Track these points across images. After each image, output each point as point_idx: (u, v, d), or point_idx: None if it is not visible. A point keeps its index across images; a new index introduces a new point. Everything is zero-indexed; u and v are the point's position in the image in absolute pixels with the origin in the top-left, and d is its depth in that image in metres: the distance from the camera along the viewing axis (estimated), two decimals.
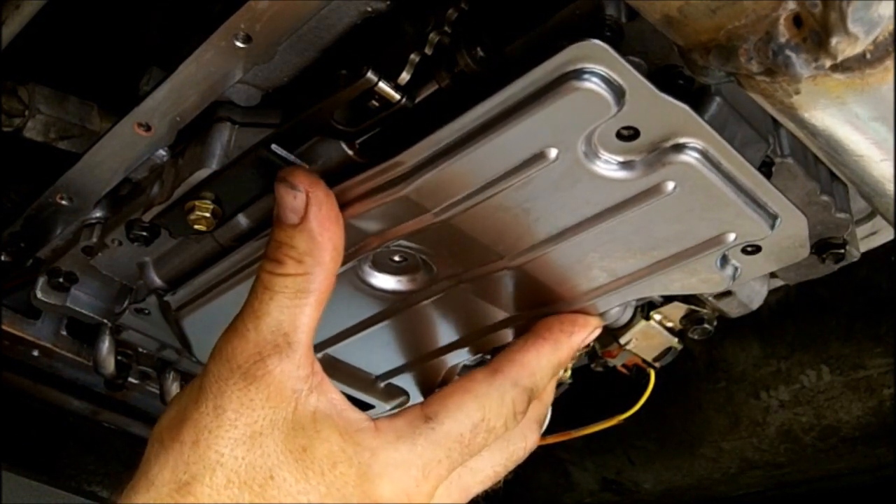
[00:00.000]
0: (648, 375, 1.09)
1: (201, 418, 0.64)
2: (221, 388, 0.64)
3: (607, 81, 0.57)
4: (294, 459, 0.63)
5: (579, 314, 0.78)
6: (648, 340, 1.04)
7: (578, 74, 0.57)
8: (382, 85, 0.65)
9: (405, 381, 0.98)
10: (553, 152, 0.62)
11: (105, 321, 1.02)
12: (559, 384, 1.07)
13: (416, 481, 0.65)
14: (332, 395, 0.66)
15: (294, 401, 0.64)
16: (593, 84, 0.57)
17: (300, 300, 0.65)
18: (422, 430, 0.67)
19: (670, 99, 0.58)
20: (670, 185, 0.64)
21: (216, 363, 0.65)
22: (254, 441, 0.63)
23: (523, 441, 0.76)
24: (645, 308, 0.99)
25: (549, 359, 0.75)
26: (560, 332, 0.77)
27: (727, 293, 0.92)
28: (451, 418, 0.68)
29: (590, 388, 1.20)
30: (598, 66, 0.57)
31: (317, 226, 0.66)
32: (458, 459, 0.67)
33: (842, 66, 0.46)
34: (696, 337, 1.00)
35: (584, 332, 0.78)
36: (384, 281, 0.81)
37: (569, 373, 1.05)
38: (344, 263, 0.76)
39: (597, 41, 0.56)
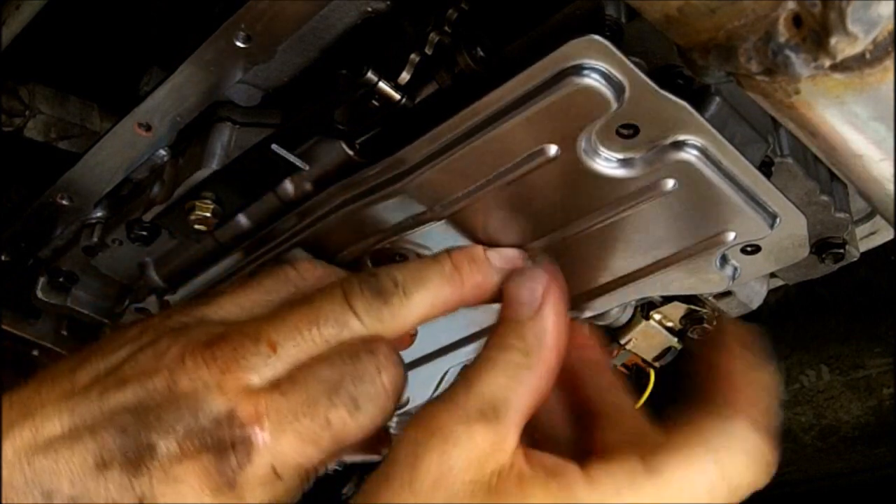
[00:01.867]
0: (648, 375, 1.09)
1: (392, 494, 0.56)
2: (418, 455, 0.56)
3: (607, 78, 0.57)
4: None
5: None
6: (648, 340, 1.04)
7: (578, 70, 0.57)
8: (382, 85, 0.65)
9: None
10: (553, 149, 0.62)
11: (105, 321, 1.02)
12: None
13: None
14: (540, 458, 0.58)
15: (498, 470, 0.56)
16: (593, 80, 0.57)
17: (517, 383, 0.59)
18: (647, 486, 0.55)
19: (670, 96, 0.59)
20: (670, 184, 0.64)
21: (413, 429, 0.58)
22: None
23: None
24: (644, 308, 0.99)
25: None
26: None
27: (727, 293, 0.92)
28: (679, 473, 0.55)
29: None
30: (598, 63, 0.57)
31: (552, 324, 0.62)
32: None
33: (841, 66, 0.46)
34: (695, 337, 1.00)
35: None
36: None
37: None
38: (345, 261, 0.77)
39: (597, 37, 0.56)
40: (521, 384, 0.60)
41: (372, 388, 0.61)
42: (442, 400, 0.59)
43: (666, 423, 0.60)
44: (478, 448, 0.56)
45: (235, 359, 0.61)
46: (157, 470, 0.59)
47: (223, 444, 0.60)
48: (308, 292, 0.67)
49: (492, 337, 0.63)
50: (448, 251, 0.68)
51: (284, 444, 0.61)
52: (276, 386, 0.62)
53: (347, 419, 0.61)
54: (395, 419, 1.07)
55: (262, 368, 0.62)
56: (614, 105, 0.58)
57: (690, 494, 0.55)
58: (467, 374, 0.61)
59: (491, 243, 0.73)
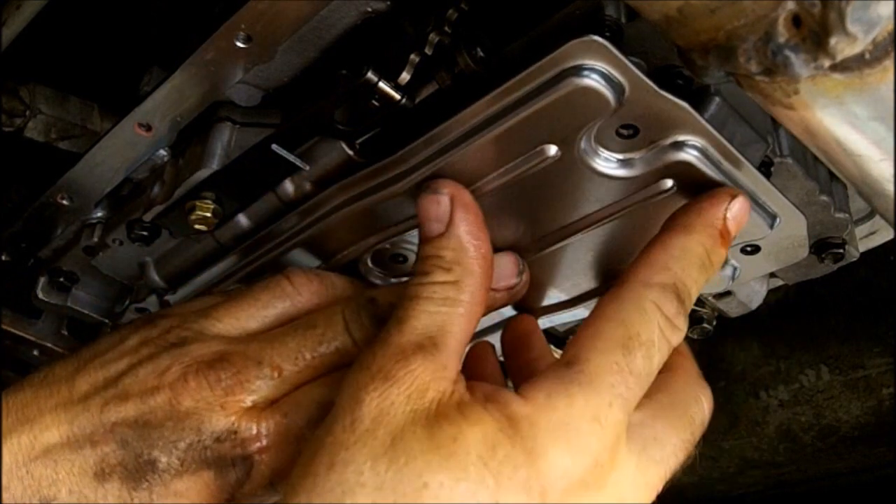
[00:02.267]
0: None
1: (335, 438, 0.55)
2: (358, 398, 0.55)
3: (607, 78, 0.57)
4: (445, 456, 0.52)
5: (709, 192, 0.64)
6: None
7: (578, 71, 0.57)
8: (382, 85, 0.66)
9: None
10: (552, 149, 0.62)
11: (106, 321, 1.02)
12: None
13: (592, 436, 0.53)
14: (479, 386, 0.57)
15: (438, 398, 0.55)
16: (593, 81, 0.57)
17: (449, 307, 0.59)
18: (570, 377, 0.55)
19: (670, 96, 0.59)
20: (669, 184, 0.65)
21: (352, 374, 0.58)
22: (395, 448, 0.53)
23: (696, 401, 0.62)
24: None
25: (682, 247, 0.61)
26: (687, 215, 0.62)
27: (726, 293, 0.92)
28: (595, 350, 0.56)
29: None
30: (598, 63, 0.57)
31: (464, 232, 0.61)
32: (627, 394, 0.55)
33: (841, 66, 0.46)
34: (695, 336, 1.00)
35: (718, 205, 0.62)
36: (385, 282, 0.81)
37: None
38: (345, 260, 0.77)
39: (597, 37, 0.56)
40: (452, 305, 0.59)
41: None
42: (379, 341, 0.59)
43: None
44: (417, 380, 0.55)
45: (239, 381, 0.63)
46: (158, 484, 0.61)
47: (224, 461, 0.61)
48: (306, 309, 0.68)
49: (415, 264, 0.62)
50: None
51: (284, 462, 0.62)
52: (278, 407, 0.63)
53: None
54: None
55: (265, 390, 0.63)
56: (614, 105, 0.58)
57: (611, 362, 0.56)
58: (398, 310, 0.60)
59: (491, 243, 0.73)
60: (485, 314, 0.66)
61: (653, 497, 0.58)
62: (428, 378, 0.56)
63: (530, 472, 0.52)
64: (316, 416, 0.62)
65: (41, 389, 0.64)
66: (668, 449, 0.58)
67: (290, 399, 0.64)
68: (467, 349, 0.64)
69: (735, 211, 0.63)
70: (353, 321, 0.65)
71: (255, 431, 0.62)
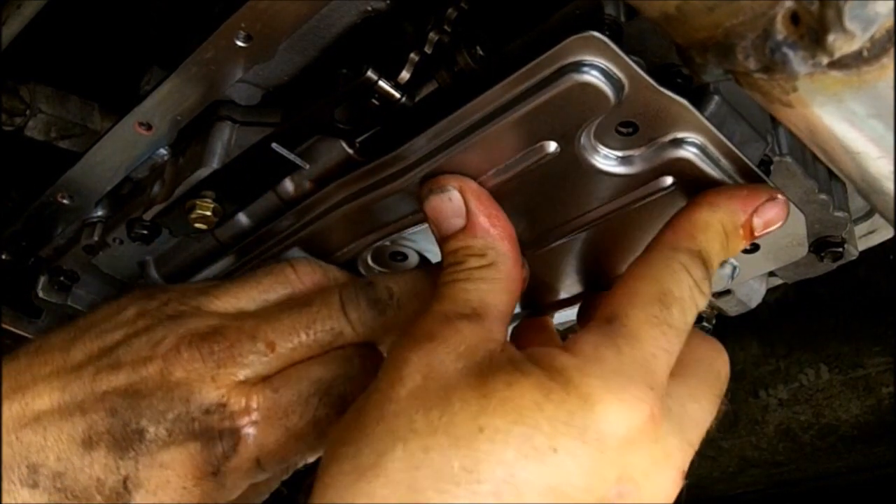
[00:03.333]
0: None
1: (381, 395, 0.53)
2: (404, 358, 0.54)
3: (607, 75, 0.57)
4: (500, 401, 0.51)
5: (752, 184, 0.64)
6: None
7: (578, 67, 0.57)
8: (382, 84, 0.66)
9: None
10: (552, 146, 0.62)
11: None
12: None
13: (645, 386, 0.53)
14: (529, 349, 0.56)
15: (488, 356, 0.54)
16: (593, 77, 0.57)
17: (487, 283, 0.59)
18: (613, 330, 0.55)
19: (669, 93, 0.59)
20: (668, 181, 0.65)
21: (397, 341, 0.57)
22: (449, 397, 0.51)
23: (719, 355, 0.62)
24: None
25: (706, 218, 0.61)
26: (716, 195, 0.63)
27: (725, 292, 0.92)
28: (632, 306, 0.56)
29: None
30: (597, 59, 0.57)
31: (485, 219, 0.61)
32: (668, 346, 0.55)
33: (839, 64, 0.46)
34: None
35: (752, 199, 0.63)
36: None
37: None
38: (345, 258, 0.77)
39: (596, 34, 0.56)
40: (491, 283, 0.59)
41: (361, 391, 0.61)
42: (420, 314, 0.58)
43: None
44: (466, 340, 0.55)
45: (232, 354, 0.62)
46: (144, 454, 0.60)
47: (211, 433, 0.61)
48: (306, 295, 0.68)
49: (444, 259, 0.62)
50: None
51: (272, 438, 0.62)
52: (269, 382, 0.63)
53: (335, 417, 0.62)
54: None
55: (257, 366, 0.63)
56: (613, 102, 0.58)
57: (650, 315, 0.55)
58: (439, 289, 0.60)
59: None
60: None
61: (691, 457, 0.58)
62: (476, 340, 0.55)
63: (587, 420, 0.51)
64: (308, 393, 0.62)
65: (36, 357, 0.64)
66: (705, 405, 0.59)
67: (282, 376, 0.64)
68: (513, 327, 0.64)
69: (767, 212, 0.63)
70: (350, 302, 0.65)
71: (244, 405, 0.61)
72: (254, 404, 0.62)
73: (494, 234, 0.61)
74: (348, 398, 0.63)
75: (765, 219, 0.63)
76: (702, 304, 0.59)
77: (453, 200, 0.62)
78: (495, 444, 0.50)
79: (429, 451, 0.50)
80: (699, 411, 0.58)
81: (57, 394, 0.62)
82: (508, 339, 0.60)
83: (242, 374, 0.62)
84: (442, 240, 0.63)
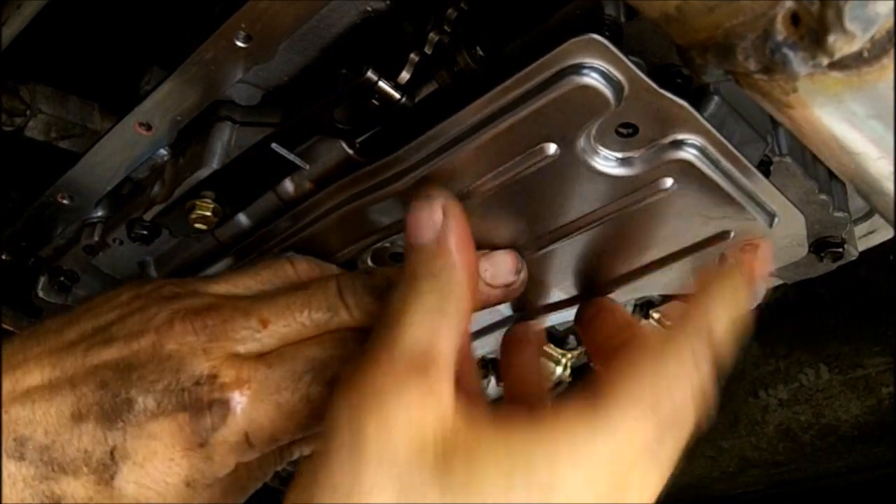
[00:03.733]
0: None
1: (335, 478, 0.52)
2: (356, 430, 0.52)
3: (607, 77, 0.57)
4: (464, 498, 0.50)
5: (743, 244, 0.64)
6: None
7: (578, 69, 0.57)
8: (382, 84, 0.66)
9: None
10: (552, 147, 0.62)
11: None
12: (558, 383, 1.08)
13: (607, 472, 0.52)
14: (479, 409, 0.55)
15: (442, 438, 0.52)
16: (592, 79, 0.57)
17: (439, 315, 0.57)
18: (594, 416, 0.53)
19: (670, 95, 0.59)
20: (668, 183, 0.65)
21: (346, 393, 0.54)
22: (406, 491, 0.50)
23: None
24: (644, 307, 0.99)
25: (715, 311, 0.61)
26: (731, 270, 0.62)
27: None
28: (624, 395, 0.54)
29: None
30: (597, 62, 0.57)
31: (454, 242, 0.60)
32: (648, 434, 0.53)
33: (839, 64, 0.46)
34: None
35: (756, 254, 0.64)
36: None
37: (568, 371, 1.06)
38: (344, 259, 0.77)
39: (596, 36, 0.56)
40: (442, 317, 0.57)
41: None
42: (371, 355, 0.55)
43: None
44: (414, 410, 0.52)
45: (225, 329, 0.62)
46: (132, 425, 0.60)
47: (200, 404, 0.60)
48: (303, 282, 0.68)
49: (402, 270, 0.61)
50: None
51: (262, 413, 0.61)
52: (263, 359, 0.63)
53: (328, 398, 0.60)
54: None
55: (250, 342, 0.63)
56: (613, 104, 0.58)
57: (634, 410, 0.53)
58: (386, 318, 0.57)
59: (489, 242, 0.73)
60: (480, 309, 0.68)
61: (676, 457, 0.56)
62: (425, 407, 0.53)
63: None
64: (301, 370, 0.62)
65: (29, 339, 0.64)
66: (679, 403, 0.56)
67: (275, 353, 0.63)
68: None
69: (762, 257, 0.65)
70: (347, 286, 0.65)
71: (234, 377, 0.61)
72: (245, 376, 0.61)
73: (456, 260, 0.59)
74: None
75: (761, 267, 0.65)
76: (708, 387, 0.57)
77: (433, 212, 0.61)
78: None
79: None
80: (663, 448, 0.55)
81: (48, 370, 0.62)
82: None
83: (235, 349, 0.62)
84: (406, 248, 0.62)
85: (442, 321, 0.57)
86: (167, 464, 0.60)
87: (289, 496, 0.54)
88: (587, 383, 0.56)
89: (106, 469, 0.60)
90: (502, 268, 0.70)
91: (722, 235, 0.70)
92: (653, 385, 0.54)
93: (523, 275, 0.71)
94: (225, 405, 0.61)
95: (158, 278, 0.84)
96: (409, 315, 0.57)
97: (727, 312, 0.61)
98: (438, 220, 0.61)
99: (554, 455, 0.51)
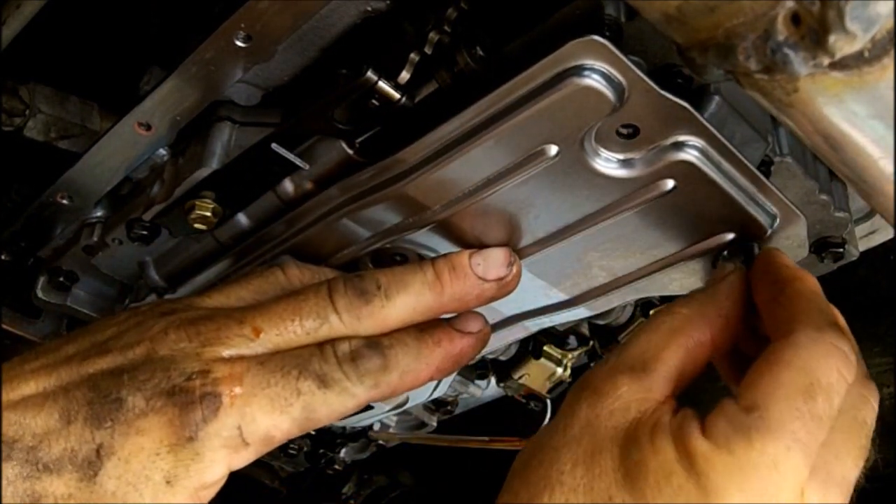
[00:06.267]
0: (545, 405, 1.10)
1: (549, 439, 0.60)
2: (573, 409, 0.60)
3: (608, 78, 0.57)
4: (628, 478, 0.55)
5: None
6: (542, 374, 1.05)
7: (579, 71, 0.57)
8: (382, 84, 0.66)
9: None
10: (553, 149, 0.62)
11: None
12: (559, 384, 1.08)
13: (770, 483, 0.54)
14: (684, 414, 0.58)
15: (638, 418, 0.58)
16: (594, 81, 0.57)
17: (670, 337, 0.62)
18: (749, 422, 0.55)
19: (670, 96, 0.59)
20: (670, 184, 0.65)
21: (574, 388, 0.62)
22: (593, 460, 0.57)
23: (865, 401, 0.61)
24: (644, 307, 0.99)
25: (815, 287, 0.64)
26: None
27: None
28: (774, 399, 0.55)
29: None
30: (598, 63, 0.57)
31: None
32: (807, 437, 0.55)
33: (840, 64, 0.46)
34: None
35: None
36: None
37: (568, 371, 1.06)
38: (344, 260, 0.77)
39: (598, 38, 0.56)
40: (673, 339, 0.62)
41: (339, 373, 0.64)
42: (599, 362, 0.64)
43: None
44: (622, 398, 0.59)
45: (218, 336, 0.63)
46: (121, 423, 0.60)
47: (191, 398, 0.61)
48: (297, 290, 0.69)
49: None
50: (432, 259, 0.70)
51: (255, 406, 0.62)
52: (256, 357, 0.64)
53: (316, 391, 0.63)
54: (394, 418, 1.07)
55: (243, 349, 0.64)
56: (615, 105, 0.58)
57: (792, 408, 0.55)
58: (626, 340, 0.65)
59: (490, 243, 0.73)
60: (477, 305, 0.71)
61: None
62: (633, 397, 0.59)
63: None
64: (290, 366, 0.63)
65: (28, 356, 0.65)
66: (849, 463, 0.59)
67: (268, 354, 0.64)
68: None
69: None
70: (337, 291, 0.66)
71: (227, 373, 0.62)
72: (237, 372, 0.62)
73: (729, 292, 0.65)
74: (326, 377, 0.64)
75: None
76: (851, 378, 0.58)
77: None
78: None
79: None
80: (844, 470, 0.58)
81: (43, 380, 0.63)
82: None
83: (227, 354, 0.63)
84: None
85: (676, 334, 0.62)
86: (152, 458, 0.60)
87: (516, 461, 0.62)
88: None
89: (90, 466, 0.60)
90: (494, 261, 0.72)
91: (723, 236, 0.70)
92: (799, 385, 0.56)
93: (516, 268, 0.72)
94: (217, 398, 0.61)
95: (158, 279, 0.84)
96: (645, 333, 0.63)
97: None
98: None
99: (712, 458, 0.55)
